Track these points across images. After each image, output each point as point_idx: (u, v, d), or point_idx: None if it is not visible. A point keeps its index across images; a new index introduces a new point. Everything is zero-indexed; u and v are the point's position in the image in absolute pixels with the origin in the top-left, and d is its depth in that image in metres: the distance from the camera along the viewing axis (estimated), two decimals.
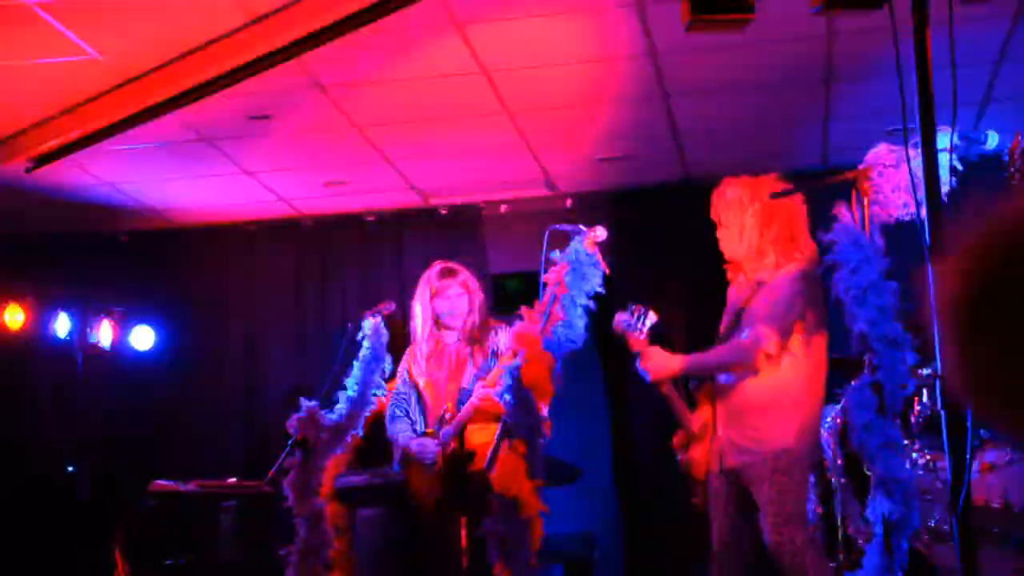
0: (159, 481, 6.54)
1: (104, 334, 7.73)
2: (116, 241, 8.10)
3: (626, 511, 7.41)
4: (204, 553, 6.36)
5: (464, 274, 5.53)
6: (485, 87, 5.82)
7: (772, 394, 4.45)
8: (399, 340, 5.99)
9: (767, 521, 4.38)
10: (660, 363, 4.61)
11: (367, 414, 5.48)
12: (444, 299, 5.48)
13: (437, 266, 5.61)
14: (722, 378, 4.58)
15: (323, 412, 5.26)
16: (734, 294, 4.68)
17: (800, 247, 4.52)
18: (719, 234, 4.66)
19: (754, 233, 4.54)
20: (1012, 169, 3.88)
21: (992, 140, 3.87)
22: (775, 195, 4.41)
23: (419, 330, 5.56)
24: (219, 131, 6.31)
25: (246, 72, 5.26)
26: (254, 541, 6.25)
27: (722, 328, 4.69)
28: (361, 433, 5.48)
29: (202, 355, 8.02)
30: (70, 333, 7.51)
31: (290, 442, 5.16)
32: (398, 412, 5.53)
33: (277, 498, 5.14)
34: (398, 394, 5.57)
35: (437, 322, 5.52)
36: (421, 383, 5.51)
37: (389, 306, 5.73)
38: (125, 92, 5.59)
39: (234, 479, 6.66)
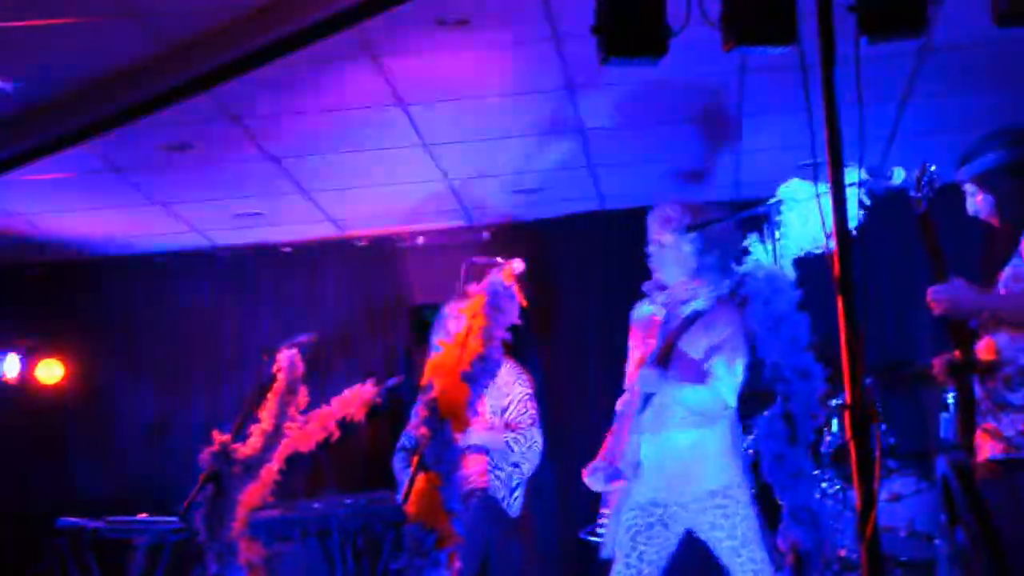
0: (66, 518, 6.41)
1: (11, 367, 7.58)
2: (24, 273, 7.96)
3: (537, 540, 7.40)
4: None
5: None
6: (403, 119, 5.83)
7: (712, 434, 4.42)
8: (314, 372, 5.96)
9: (723, 547, 4.33)
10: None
11: (281, 447, 5.44)
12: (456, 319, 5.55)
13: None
14: (663, 412, 4.48)
15: (236, 445, 5.21)
16: (656, 319, 4.63)
17: (730, 279, 4.53)
18: (654, 254, 4.58)
19: (691, 259, 4.54)
20: (919, 196, 3.97)
21: (898, 176, 3.96)
22: (691, 227, 4.44)
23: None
24: (131, 161, 6.23)
25: (158, 102, 5.20)
26: None
27: (640, 356, 4.63)
28: (276, 466, 5.44)
29: (113, 388, 7.90)
30: None
31: (202, 476, 5.09)
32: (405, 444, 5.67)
33: (189, 533, 5.07)
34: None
35: None
36: None
37: (305, 338, 5.70)
38: (34, 121, 5.50)
39: (145, 515, 6.55)
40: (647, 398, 4.40)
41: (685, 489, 4.39)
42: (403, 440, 5.71)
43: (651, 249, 4.60)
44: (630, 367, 4.73)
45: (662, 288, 4.60)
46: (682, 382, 4.33)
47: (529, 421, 5.43)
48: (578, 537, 4.64)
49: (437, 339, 5.56)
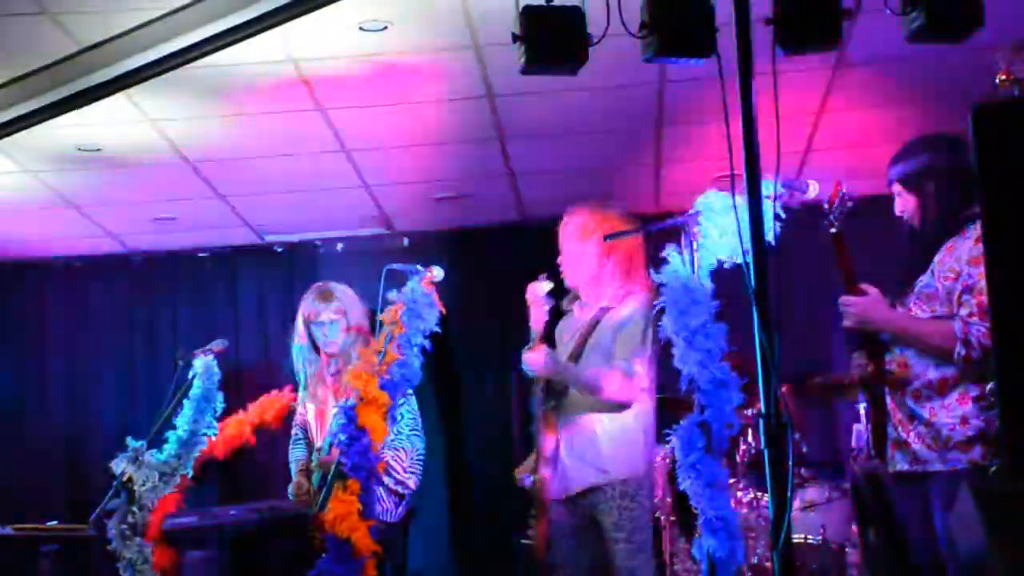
0: None
1: None
2: None
3: (459, 547, 7.41)
4: None
5: (340, 299, 5.39)
6: (321, 124, 5.80)
7: (622, 422, 4.48)
8: (231, 379, 5.90)
9: (618, 547, 4.38)
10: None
11: (197, 454, 5.39)
12: (318, 325, 5.35)
13: (313, 289, 5.48)
14: (573, 403, 4.53)
15: (151, 452, 5.15)
16: (574, 320, 4.70)
17: (635, 281, 4.59)
18: (560, 261, 4.69)
19: (593, 262, 4.60)
20: (832, 218, 4.04)
21: (813, 189, 4.02)
22: (608, 237, 4.49)
23: (296, 357, 5.44)
24: (44, 163, 6.13)
25: (75, 103, 5.12)
26: None
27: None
28: (191, 474, 5.38)
29: (24, 393, 7.76)
30: None
31: (115, 483, 5.03)
32: (298, 434, 5.51)
33: (101, 541, 5.00)
34: (296, 416, 5.57)
35: (316, 348, 5.38)
36: (311, 413, 5.41)
37: (221, 344, 5.65)
38: None
39: (56, 522, 6.44)
40: (546, 389, 4.46)
41: (592, 477, 4.44)
42: (296, 431, 5.62)
43: (560, 257, 4.68)
44: None
45: (577, 298, 4.69)
46: (594, 368, 4.40)
47: (407, 430, 5.22)
48: (512, 540, 4.63)
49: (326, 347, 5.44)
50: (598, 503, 4.45)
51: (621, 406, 4.46)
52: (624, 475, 4.43)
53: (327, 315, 5.31)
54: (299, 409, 5.56)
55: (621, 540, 4.38)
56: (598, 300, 4.60)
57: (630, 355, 4.45)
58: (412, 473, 5.23)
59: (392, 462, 5.16)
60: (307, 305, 5.38)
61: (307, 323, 5.35)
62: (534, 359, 4.46)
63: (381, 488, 5.15)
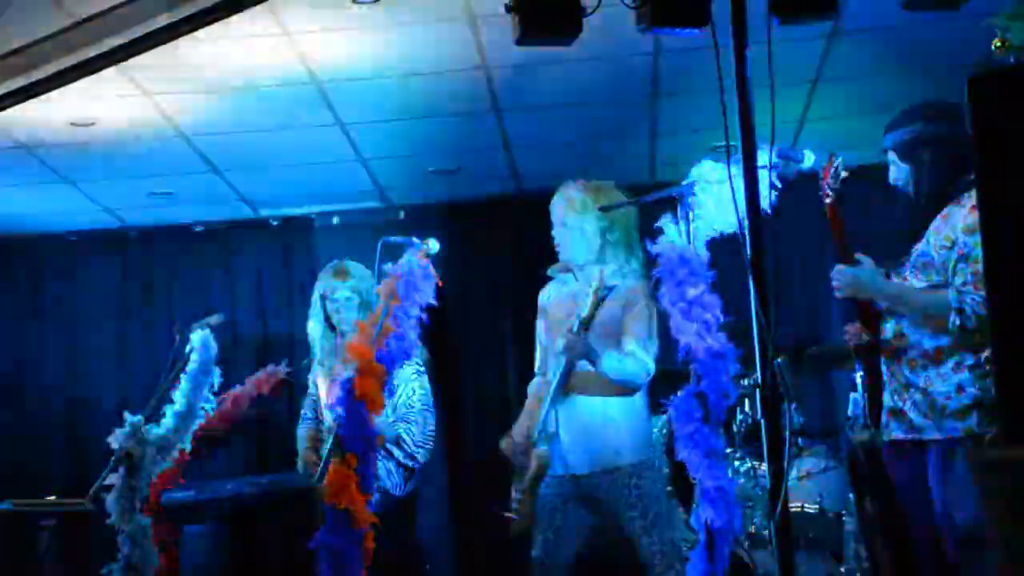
0: None
1: None
2: None
3: (459, 520, 7.44)
4: (22, 574, 6.14)
5: (355, 276, 5.44)
6: (317, 97, 5.78)
7: (631, 404, 4.47)
8: (228, 352, 5.90)
9: (634, 525, 4.39)
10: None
11: (195, 428, 5.40)
12: (333, 302, 5.41)
13: (329, 266, 5.53)
14: (580, 383, 4.52)
15: (149, 426, 5.16)
16: (568, 294, 4.66)
17: (635, 256, 4.56)
18: (558, 235, 4.62)
19: (596, 239, 4.57)
20: (826, 189, 4.03)
21: (808, 159, 4.01)
22: (603, 208, 4.47)
23: (312, 332, 5.49)
24: (40, 138, 6.11)
25: (69, 77, 5.10)
26: (75, 561, 6.07)
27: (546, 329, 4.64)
28: (189, 448, 5.40)
29: (19, 368, 7.77)
30: None
31: (113, 458, 5.05)
32: (307, 414, 5.58)
33: (100, 516, 5.02)
34: (308, 395, 5.61)
35: (331, 325, 5.43)
36: (323, 388, 5.43)
37: (218, 318, 5.66)
38: None
39: (54, 497, 6.46)
40: (568, 367, 4.42)
41: (601, 461, 4.43)
42: (305, 410, 5.63)
43: (556, 231, 4.63)
44: (539, 350, 4.77)
45: (568, 269, 4.64)
46: (602, 349, 4.37)
47: (420, 405, 5.28)
48: (494, 512, 4.62)
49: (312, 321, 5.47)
50: (607, 484, 4.43)
51: (634, 389, 4.46)
52: (636, 457, 4.43)
53: (343, 292, 5.40)
54: (310, 388, 5.60)
55: (636, 518, 4.38)
56: (595, 276, 4.50)
57: (642, 336, 4.43)
58: (422, 447, 5.26)
59: (404, 435, 5.19)
60: (323, 282, 5.47)
61: (323, 300, 5.43)
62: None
63: (391, 463, 5.18)
